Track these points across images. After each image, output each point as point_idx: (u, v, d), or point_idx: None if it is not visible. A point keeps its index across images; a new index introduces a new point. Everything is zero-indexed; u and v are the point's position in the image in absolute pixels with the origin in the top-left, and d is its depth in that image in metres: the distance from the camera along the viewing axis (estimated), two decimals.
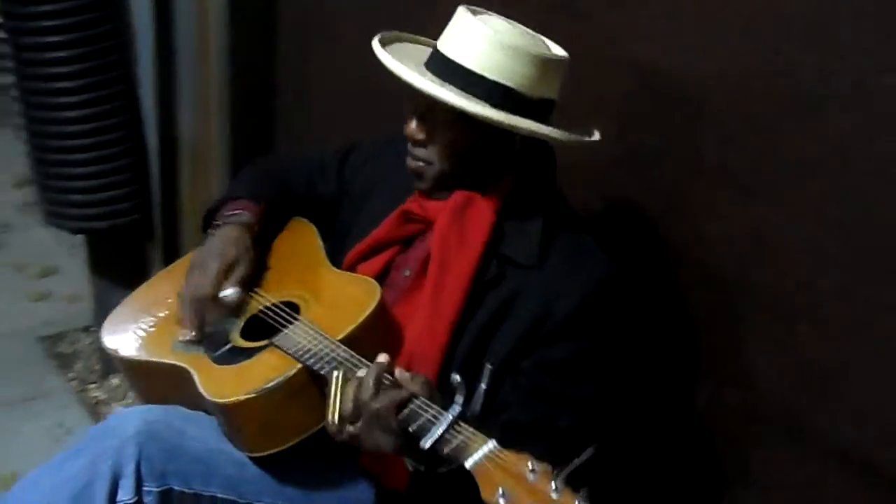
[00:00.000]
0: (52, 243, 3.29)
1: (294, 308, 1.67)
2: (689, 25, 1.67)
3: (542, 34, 1.66)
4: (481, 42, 1.53)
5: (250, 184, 1.92)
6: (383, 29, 1.68)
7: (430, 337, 1.59)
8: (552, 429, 1.58)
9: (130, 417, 1.58)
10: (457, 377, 1.32)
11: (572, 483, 1.16)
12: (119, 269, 3.02)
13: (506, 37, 1.54)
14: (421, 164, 1.63)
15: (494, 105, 1.53)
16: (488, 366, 1.37)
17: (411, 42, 1.73)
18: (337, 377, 1.41)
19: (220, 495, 1.58)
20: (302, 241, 1.85)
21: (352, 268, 1.75)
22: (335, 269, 1.75)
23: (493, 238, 1.61)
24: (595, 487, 1.15)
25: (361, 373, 1.40)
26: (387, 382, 1.38)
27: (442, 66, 1.56)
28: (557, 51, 1.65)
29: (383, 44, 1.64)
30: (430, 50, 1.62)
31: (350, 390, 1.38)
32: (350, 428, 1.39)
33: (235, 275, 1.72)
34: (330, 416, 1.40)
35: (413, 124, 1.61)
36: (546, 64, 1.57)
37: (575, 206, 1.72)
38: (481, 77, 1.53)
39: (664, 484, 1.89)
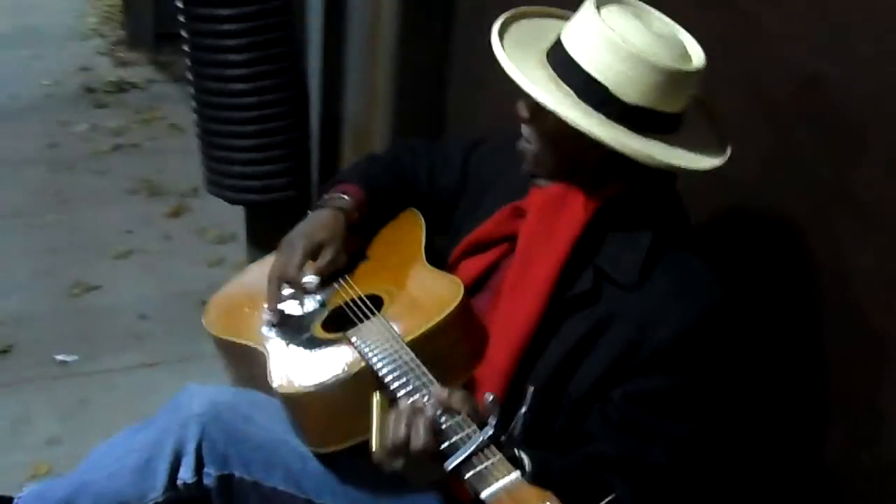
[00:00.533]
0: (234, 212, 3.39)
1: (378, 302, 1.59)
2: (861, 33, 1.44)
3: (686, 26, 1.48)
4: (604, 46, 1.37)
5: (365, 169, 1.86)
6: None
7: (501, 346, 1.47)
8: (641, 466, 1.43)
9: (199, 395, 1.55)
10: (490, 396, 1.19)
11: None
12: (275, 242, 3.03)
13: (632, 44, 1.36)
14: (525, 143, 1.51)
15: (609, 116, 1.38)
16: (531, 388, 1.23)
17: (540, 16, 1.57)
18: (376, 402, 1.29)
19: (280, 487, 1.54)
20: (406, 232, 1.77)
21: (455, 264, 1.65)
22: (428, 265, 1.66)
23: (586, 243, 1.45)
24: None
25: (403, 403, 1.29)
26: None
27: (562, 63, 1.42)
28: (694, 53, 1.44)
29: (507, 24, 1.51)
30: (558, 28, 1.47)
31: (390, 420, 1.27)
32: (394, 463, 1.27)
33: (321, 259, 1.67)
34: (371, 447, 1.28)
35: (522, 110, 1.49)
36: (676, 77, 1.38)
37: (694, 222, 1.54)
38: (599, 85, 1.37)
39: None
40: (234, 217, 3.45)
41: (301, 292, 1.67)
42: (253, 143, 2.76)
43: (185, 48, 2.73)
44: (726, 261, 1.50)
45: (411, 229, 1.78)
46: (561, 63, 1.41)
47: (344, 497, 1.54)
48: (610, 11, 1.40)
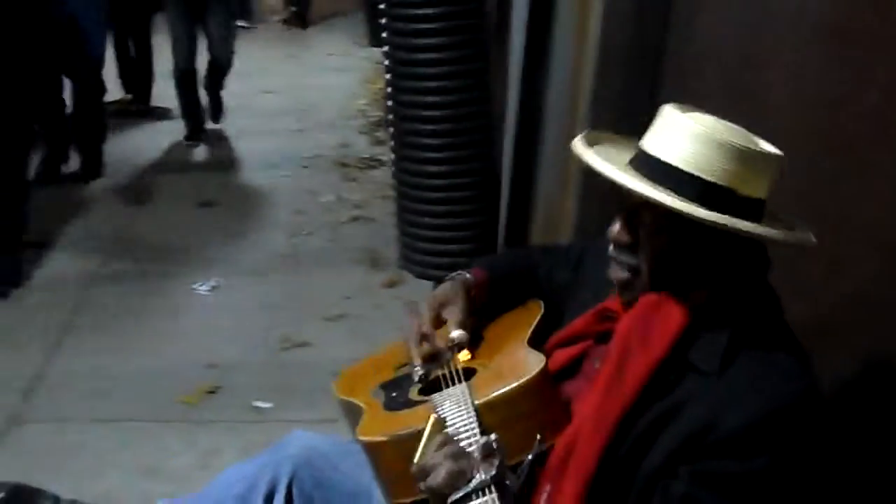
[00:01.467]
0: None
1: (472, 374, 1.68)
2: None
3: None
4: (690, 139, 1.44)
5: (491, 259, 2.03)
6: None
7: (595, 430, 1.51)
8: None
9: (297, 440, 1.71)
10: (493, 436, 1.30)
11: None
12: None
13: (715, 133, 1.44)
14: (627, 274, 1.56)
15: (706, 205, 1.43)
16: (538, 436, 1.37)
17: (612, 143, 1.65)
18: (432, 420, 1.42)
19: None
20: (523, 318, 1.86)
21: (550, 351, 1.72)
22: (526, 345, 1.73)
23: (682, 343, 1.49)
24: None
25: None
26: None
27: (648, 166, 1.49)
28: (769, 147, 1.50)
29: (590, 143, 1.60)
30: (633, 151, 1.55)
31: (433, 444, 1.40)
32: (420, 484, 1.39)
33: (453, 319, 1.80)
34: (415, 458, 1.41)
35: (617, 226, 1.55)
36: (759, 160, 1.45)
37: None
38: (691, 176, 1.44)
39: None
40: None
41: (447, 350, 1.78)
42: (441, 223, 2.93)
43: (391, 129, 2.96)
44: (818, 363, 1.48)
45: (528, 316, 1.86)
46: (649, 166, 1.47)
47: None
48: (689, 113, 1.48)
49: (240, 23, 7.11)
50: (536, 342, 1.75)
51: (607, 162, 1.50)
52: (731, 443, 1.41)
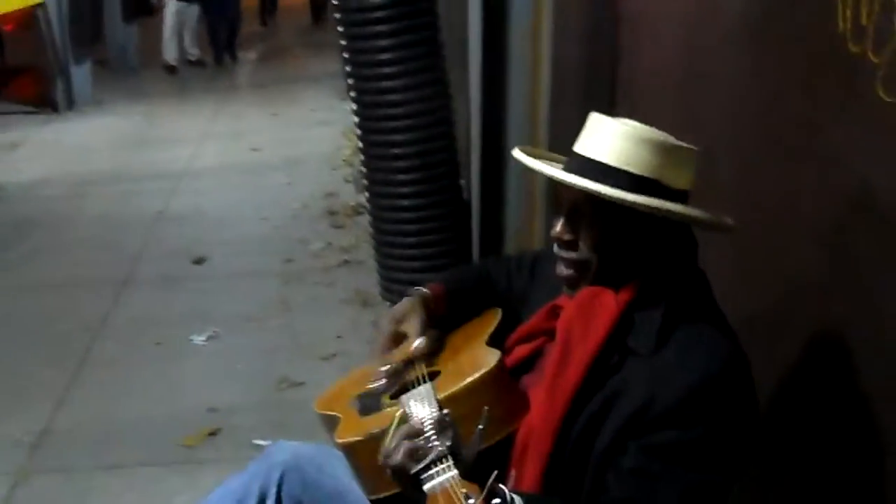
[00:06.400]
0: None
1: (435, 375, 1.83)
2: None
3: None
4: (617, 138, 1.61)
5: (449, 273, 2.17)
6: None
7: (546, 414, 1.66)
8: None
9: (284, 448, 1.86)
10: (445, 412, 1.47)
11: None
12: None
13: (639, 131, 1.61)
14: (571, 270, 1.70)
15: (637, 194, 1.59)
16: (485, 407, 1.52)
17: (549, 157, 1.81)
18: (398, 416, 1.58)
19: None
20: (482, 323, 1.99)
21: (510, 349, 1.86)
22: (485, 345, 1.87)
23: (619, 330, 1.64)
24: None
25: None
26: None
27: (581, 165, 1.64)
28: (686, 144, 1.67)
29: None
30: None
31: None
32: (387, 469, 1.53)
33: (413, 329, 1.93)
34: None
35: (559, 225, 1.68)
36: (681, 153, 1.63)
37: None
38: (621, 171, 1.60)
39: None
40: None
41: (400, 362, 1.92)
42: (416, 253, 3.09)
43: (362, 169, 3.13)
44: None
45: (486, 322, 1.99)
46: (581, 165, 1.64)
47: None
48: (616, 118, 1.66)
49: None
50: (495, 344, 1.90)
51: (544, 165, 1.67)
52: (669, 416, 1.55)
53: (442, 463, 1.41)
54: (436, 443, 1.46)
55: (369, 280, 4.80)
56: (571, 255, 1.69)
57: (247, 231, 5.82)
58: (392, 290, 3.19)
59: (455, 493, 1.31)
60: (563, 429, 1.63)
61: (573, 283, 1.70)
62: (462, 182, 3.21)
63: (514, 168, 3.09)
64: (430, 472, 1.42)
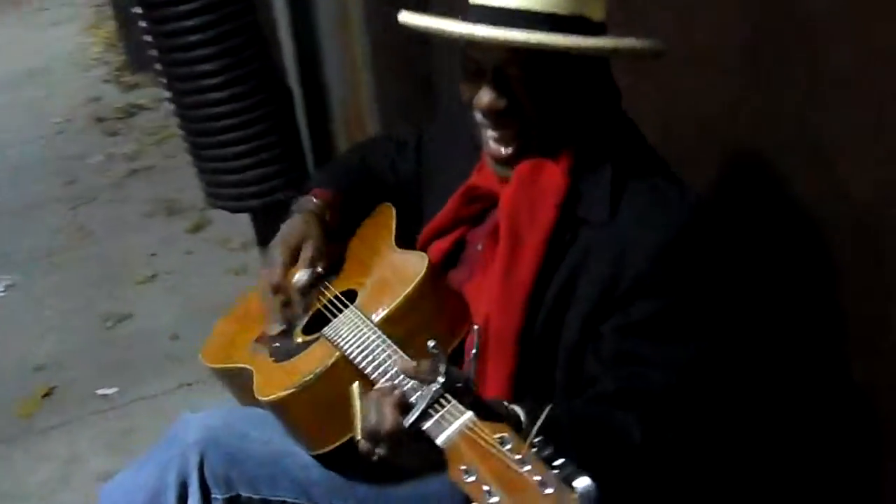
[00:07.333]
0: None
1: (353, 296, 1.58)
2: None
3: None
4: None
5: (331, 172, 1.86)
6: None
7: (505, 313, 1.44)
8: (644, 394, 1.37)
9: (193, 424, 1.55)
10: (431, 343, 1.16)
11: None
12: None
13: None
14: (514, 146, 1.43)
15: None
16: (476, 327, 1.26)
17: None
18: (355, 392, 1.28)
19: (289, 499, 1.54)
20: (379, 225, 1.75)
21: (425, 246, 1.62)
22: (397, 248, 1.64)
23: (569, 201, 1.42)
24: (576, 458, 0.99)
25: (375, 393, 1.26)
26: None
27: (491, 16, 1.36)
28: None
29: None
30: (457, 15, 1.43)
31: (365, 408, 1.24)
32: (378, 450, 1.22)
33: (302, 257, 1.64)
34: (356, 435, 1.25)
35: (487, 95, 1.39)
36: None
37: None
38: (541, 13, 1.33)
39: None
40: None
41: (297, 295, 1.64)
42: (240, 150, 2.75)
43: (158, 67, 2.72)
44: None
45: (383, 221, 1.75)
46: (490, 15, 1.36)
47: (352, 497, 1.53)
48: None
49: None
50: (404, 244, 1.65)
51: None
52: (641, 285, 1.37)
53: (441, 406, 1.14)
54: (427, 384, 1.17)
55: (167, 186, 4.43)
56: (512, 125, 1.42)
57: (12, 159, 5.16)
58: (220, 195, 2.85)
59: (483, 437, 1.04)
60: (527, 324, 1.43)
61: (514, 159, 1.44)
62: (275, 64, 2.86)
63: (326, 28, 2.76)
64: (432, 420, 1.13)
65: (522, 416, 1.21)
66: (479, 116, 1.43)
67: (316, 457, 1.49)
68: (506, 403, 1.23)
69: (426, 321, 1.46)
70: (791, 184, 1.53)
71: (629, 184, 1.42)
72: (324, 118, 2.90)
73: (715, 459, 1.63)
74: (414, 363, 1.24)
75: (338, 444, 1.44)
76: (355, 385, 1.29)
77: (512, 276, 1.43)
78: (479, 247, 1.55)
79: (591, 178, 1.43)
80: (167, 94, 2.79)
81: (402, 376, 1.27)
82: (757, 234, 1.63)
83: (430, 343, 1.16)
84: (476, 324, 1.46)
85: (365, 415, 1.22)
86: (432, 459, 1.16)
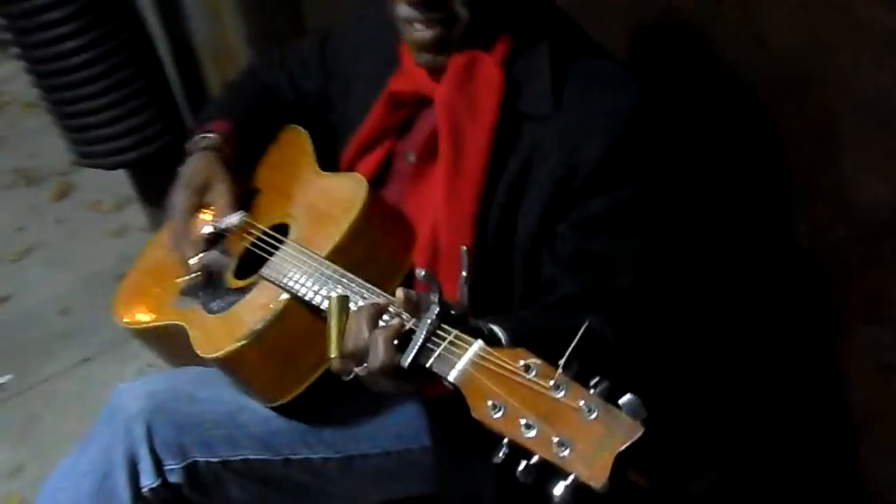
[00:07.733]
0: (123, 174, 3.21)
1: (285, 230, 1.46)
2: None
3: None
4: None
5: (224, 100, 1.73)
6: None
7: (453, 226, 1.35)
8: (610, 294, 1.32)
9: (132, 393, 1.42)
10: (421, 272, 1.06)
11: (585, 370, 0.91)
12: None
13: None
14: (437, 29, 1.30)
15: None
16: (463, 248, 1.13)
17: None
18: (329, 307, 1.15)
19: (251, 457, 1.43)
20: (291, 150, 1.62)
21: (350, 166, 1.51)
22: (323, 172, 1.52)
23: (509, 99, 1.33)
24: (619, 378, 0.90)
25: (354, 306, 1.17)
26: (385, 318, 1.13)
27: None
28: None
29: None
30: None
31: (351, 326, 1.12)
32: (356, 369, 1.12)
33: (220, 202, 1.53)
34: (328, 353, 1.13)
35: None
36: None
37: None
38: None
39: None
40: (125, 179, 3.24)
41: (206, 245, 1.51)
42: (106, 102, 2.54)
43: (2, 21, 2.48)
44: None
45: (296, 145, 1.62)
46: None
47: (319, 443, 1.44)
48: None
49: None
50: (326, 164, 1.53)
51: None
52: (597, 177, 1.30)
53: (440, 338, 1.02)
54: (421, 314, 1.05)
55: (19, 153, 4.12)
56: (439, 13, 1.30)
57: None
58: (92, 153, 2.63)
59: (504, 366, 0.93)
60: (479, 235, 1.34)
61: (441, 44, 1.33)
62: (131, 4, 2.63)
63: None
64: (434, 355, 1.01)
65: (503, 337, 1.11)
66: (404, 10, 1.31)
67: (274, 408, 1.39)
68: (486, 324, 1.13)
69: (374, 248, 1.36)
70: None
71: (571, 72, 1.33)
72: (191, 57, 2.71)
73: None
74: (401, 293, 1.10)
75: (298, 391, 1.35)
76: (335, 296, 1.16)
77: (458, 185, 1.34)
78: (412, 158, 1.45)
79: (530, 69, 1.34)
80: (18, 52, 2.54)
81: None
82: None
83: (421, 272, 1.05)
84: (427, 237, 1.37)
85: (351, 336, 1.11)
86: (409, 387, 1.09)
